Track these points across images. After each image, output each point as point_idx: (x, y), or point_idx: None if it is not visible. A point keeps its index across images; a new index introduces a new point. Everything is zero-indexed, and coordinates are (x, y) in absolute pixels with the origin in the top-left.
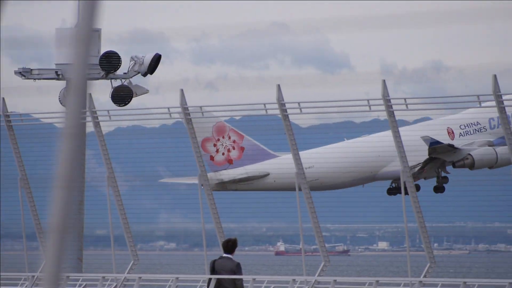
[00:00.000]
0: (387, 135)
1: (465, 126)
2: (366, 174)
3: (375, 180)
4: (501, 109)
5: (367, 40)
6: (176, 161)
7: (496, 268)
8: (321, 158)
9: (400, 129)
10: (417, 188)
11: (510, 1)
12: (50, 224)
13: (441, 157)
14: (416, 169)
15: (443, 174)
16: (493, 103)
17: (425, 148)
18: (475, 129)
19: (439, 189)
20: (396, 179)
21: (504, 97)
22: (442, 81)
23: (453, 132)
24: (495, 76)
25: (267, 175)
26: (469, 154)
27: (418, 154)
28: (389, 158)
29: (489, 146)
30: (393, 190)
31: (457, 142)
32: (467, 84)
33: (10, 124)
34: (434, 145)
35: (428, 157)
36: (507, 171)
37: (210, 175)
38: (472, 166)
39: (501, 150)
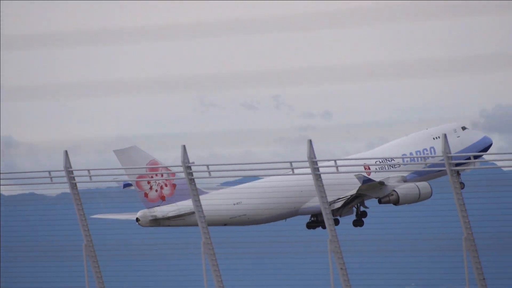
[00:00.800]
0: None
1: (380, 162)
2: (290, 209)
3: (297, 215)
4: (72, 185)
5: None
6: None
7: None
8: (248, 193)
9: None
10: (337, 222)
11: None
12: None
13: (368, 194)
14: (338, 204)
15: (362, 208)
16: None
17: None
18: (390, 165)
19: (359, 222)
20: (316, 214)
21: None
22: (13, 157)
23: (369, 168)
24: (66, 151)
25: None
26: (394, 190)
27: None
28: (310, 193)
29: (404, 181)
30: (313, 224)
31: (373, 177)
32: (38, 159)
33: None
34: (367, 183)
35: (355, 193)
36: None
37: (144, 211)
38: (397, 201)
39: (422, 185)
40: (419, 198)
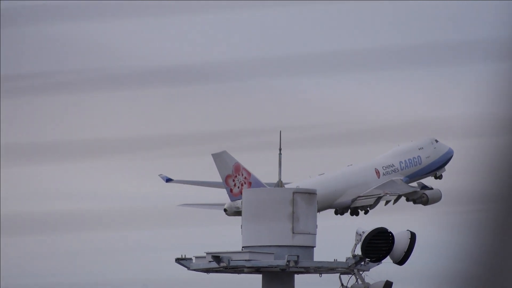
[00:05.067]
0: (340, 175)
1: (385, 168)
2: (327, 204)
3: (330, 208)
4: None
5: None
6: None
7: None
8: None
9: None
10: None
11: None
12: None
13: (405, 196)
14: (391, 197)
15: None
16: None
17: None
18: (392, 170)
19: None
20: (343, 208)
21: None
22: None
23: (379, 172)
24: None
25: None
26: (424, 193)
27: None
28: (342, 192)
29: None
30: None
31: (382, 179)
32: None
33: None
34: (424, 189)
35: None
36: None
37: (230, 203)
38: (426, 202)
39: (438, 189)
40: (440, 199)
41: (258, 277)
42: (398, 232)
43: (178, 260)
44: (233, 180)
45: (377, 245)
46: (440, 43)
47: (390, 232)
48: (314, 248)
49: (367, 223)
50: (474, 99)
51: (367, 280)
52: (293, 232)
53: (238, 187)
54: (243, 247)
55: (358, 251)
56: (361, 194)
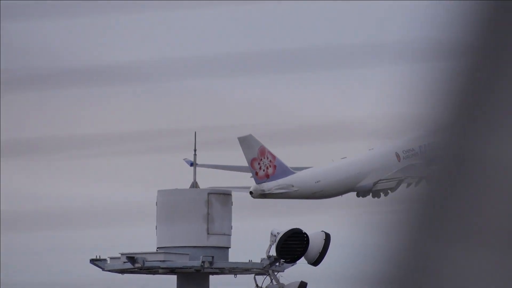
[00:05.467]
0: (362, 158)
1: (406, 152)
2: (349, 187)
3: (352, 191)
4: None
5: None
6: None
7: None
8: (325, 174)
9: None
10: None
11: None
12: None
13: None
14: (413, 183)
15: None
16: None
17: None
18: (412, 154)
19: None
20: (365, 191)
21: None
22: None
23: (399, 156)
24: None
25: (292, 186)
26: None
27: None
28: (364, 175)
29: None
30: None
31: (402, 163)
32: None
33: None
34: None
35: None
36: None
37: (255, 186)
38: None
39: None
40: None
41: (173, 278)
42: (313, 233)
43: (92, 261)
44: (259, 164)
45: (292, 246)
46: (353, 44)
47: (305, 233)
48: (229, 249)
49: (282, 224)
50: (386, 100)
51: (282, 280)
52: (208, 233)
53: (264, 170)
54: (158, 248)
55: (273, 252)
56: (382, 178)
